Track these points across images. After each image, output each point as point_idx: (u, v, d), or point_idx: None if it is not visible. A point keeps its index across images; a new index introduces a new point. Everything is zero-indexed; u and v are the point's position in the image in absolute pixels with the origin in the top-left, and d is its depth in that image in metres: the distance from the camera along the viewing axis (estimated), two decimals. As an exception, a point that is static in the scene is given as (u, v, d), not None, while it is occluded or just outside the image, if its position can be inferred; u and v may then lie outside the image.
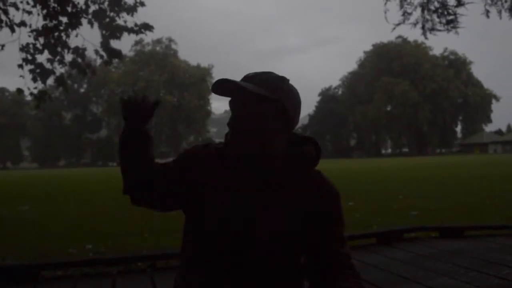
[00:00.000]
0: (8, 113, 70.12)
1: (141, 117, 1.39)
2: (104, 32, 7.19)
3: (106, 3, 7.08)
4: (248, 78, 1.30)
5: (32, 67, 7.21)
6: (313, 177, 1.34)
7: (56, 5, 6.95)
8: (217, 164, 1.33)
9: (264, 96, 1.26)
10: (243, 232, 1.24)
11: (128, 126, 1.38)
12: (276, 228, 1.24)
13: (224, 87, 1.29)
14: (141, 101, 1.38)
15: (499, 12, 6.49)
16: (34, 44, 7.19)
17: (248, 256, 1.23)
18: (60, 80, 7.48)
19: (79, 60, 7.39)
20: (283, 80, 1.32)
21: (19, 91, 7.30)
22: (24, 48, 7.13)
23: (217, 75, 75.21)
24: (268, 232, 1.24)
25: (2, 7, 6.95)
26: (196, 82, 73.81)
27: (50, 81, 7.48)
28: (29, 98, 7.68)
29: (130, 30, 7.15)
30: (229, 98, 1.33)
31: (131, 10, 7.01)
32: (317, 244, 1.27)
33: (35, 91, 7.33)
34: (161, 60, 74.34)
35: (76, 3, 7.02)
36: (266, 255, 1.24)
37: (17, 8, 6.99)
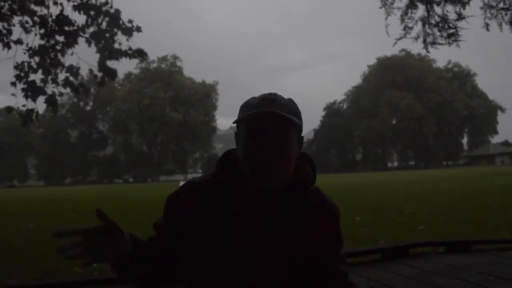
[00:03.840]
0: (14, 132, 70.59)
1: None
2: (104, 53, 7.17)
3: (104, 24, 7.05)
4: (269, 101, 1.16)
5: (24, 86, 7.04)
6: (313, 196, 1.28)
7: (54, 25, 6.92)
8: (219, 202, 1.20)
9: (298, 125, 1.17)
10: (254, 262, 1.17)
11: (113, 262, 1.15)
12: (288, 257, 1.19)
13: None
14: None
15: (500, 25, 6.50)
16: (29, 63, 7.09)
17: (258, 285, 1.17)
18: (50, 100, 7.30)
19: (72, 79, 7.27)
20: (294, 102, 1.24)
21: (9, 109, 7.11)
22: (18, 66, 7.03)
23: (222, 92, 75.55)
24: (280, 262, 1.18)
25: (7, 27, 7.00)
26: (202, 98, 74.14)
27: (42, 100, 7.25)
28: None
29: (124, 54, 7.10)
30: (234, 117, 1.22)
31: (128, 33, 7.00)
32: (317, 262, 1.23)
33: (23, 109, 7.09)
34: (167, 77, 74.84)
35: (73, 21, 6.97)
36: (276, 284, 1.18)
37: (26, 30, 6.99)
